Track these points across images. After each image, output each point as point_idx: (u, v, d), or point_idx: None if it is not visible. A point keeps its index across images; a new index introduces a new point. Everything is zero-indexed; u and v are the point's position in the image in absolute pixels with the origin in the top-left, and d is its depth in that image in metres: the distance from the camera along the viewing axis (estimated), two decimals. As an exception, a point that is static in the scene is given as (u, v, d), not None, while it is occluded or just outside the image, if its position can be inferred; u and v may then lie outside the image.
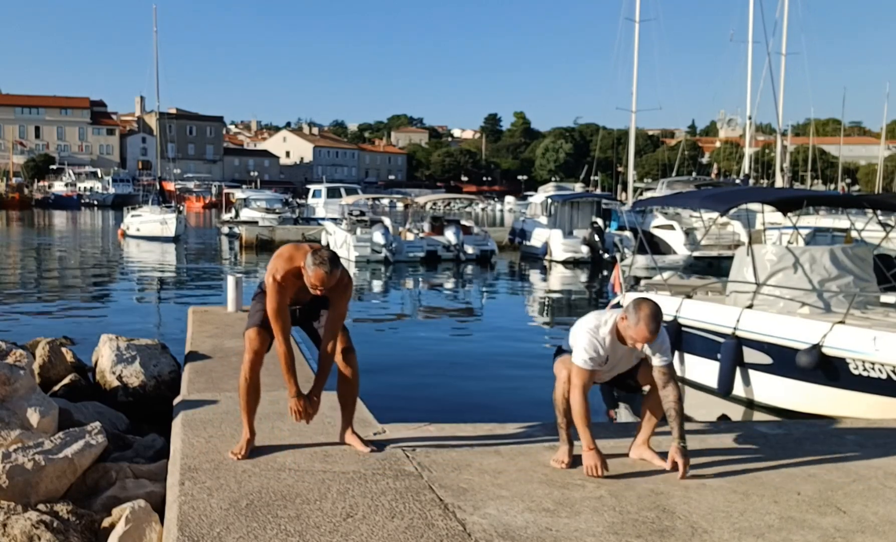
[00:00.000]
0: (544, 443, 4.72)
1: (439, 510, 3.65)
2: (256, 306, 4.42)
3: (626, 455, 4.52)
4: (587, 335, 4.22)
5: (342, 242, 25.64)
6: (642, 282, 10.47)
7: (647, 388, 4.50)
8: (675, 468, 4.27)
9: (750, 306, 8.25)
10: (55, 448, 4.34)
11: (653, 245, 19.72)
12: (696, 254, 16.86)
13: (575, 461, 4.36)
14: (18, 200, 74.19)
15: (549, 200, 29.96)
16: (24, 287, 19.57)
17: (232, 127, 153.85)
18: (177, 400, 5.69)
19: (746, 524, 3.60)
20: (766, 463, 4.48)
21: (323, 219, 35.84)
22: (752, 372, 8.05)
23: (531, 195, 41.21)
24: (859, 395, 7.06)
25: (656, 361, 4.25)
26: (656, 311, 4.06)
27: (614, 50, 54.09)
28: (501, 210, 70.99)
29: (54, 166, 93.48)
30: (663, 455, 4.40)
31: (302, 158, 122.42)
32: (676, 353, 8.95)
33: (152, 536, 3.76)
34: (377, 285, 20.58)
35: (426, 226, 27.68)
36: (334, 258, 4.10)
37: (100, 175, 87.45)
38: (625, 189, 43.25)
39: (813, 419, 6.48)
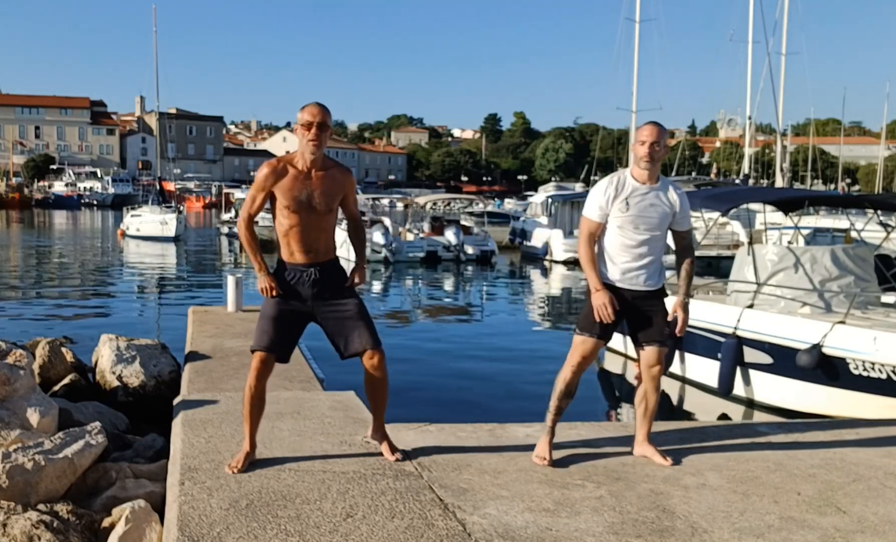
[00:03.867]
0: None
1: (439, 510, 3.64)
2: (262, 312, 4.19)
3: (628, 454, 4.52)
4: (600, 184, 4.39)
5: (342, 243, 25.55)
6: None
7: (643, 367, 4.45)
8: (677, 453, 4.30)
9: (750, 306, 8.26)
10: (55, 448, 4.34)
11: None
12: (695, 254, 16.87)
13: (557, 463, 4.33)
14: (18, 200, 74.31)
15: (550, 200, 29.98)
16: (24, 287, 19.56)
17: (232, 127, 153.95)
18: (177, 400, 5.69)
19: (746, 524, 3.60)
20: (766, 463, 4.48)
21: None
22: (752, 372, 8.06)
23: (531, 195, 41.19)
24: (859, 395, 7.07)
25: (679, 226, 4.46)
26: (657, 123, 4.32)
27: (614, 50, 55.01)
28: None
29: (54, 166, 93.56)
30: (664, 454, 4.42)
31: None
32: (677, 352, 8.97)
33: (152, 536, 3.76)
34: (377, 286, 20.57)
35: (426, 226, 27.70)
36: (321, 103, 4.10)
37: (100, 175, 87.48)
38: (625, 189, 43.07)
39: (813, 419, 6.48)
